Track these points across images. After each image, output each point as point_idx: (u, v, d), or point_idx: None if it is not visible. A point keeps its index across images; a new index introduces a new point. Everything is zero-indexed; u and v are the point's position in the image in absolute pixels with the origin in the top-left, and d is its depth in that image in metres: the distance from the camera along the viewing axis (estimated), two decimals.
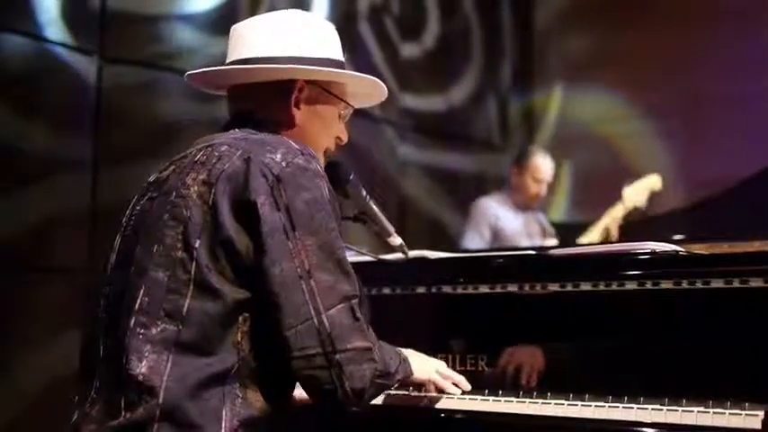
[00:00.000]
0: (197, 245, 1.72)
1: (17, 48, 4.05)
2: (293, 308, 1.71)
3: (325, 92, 2.00)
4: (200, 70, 2.02)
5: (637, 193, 4.71)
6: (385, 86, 2.13)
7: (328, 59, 2.00)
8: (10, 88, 3.99)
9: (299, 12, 2.06)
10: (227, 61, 2.02)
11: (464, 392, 2.10)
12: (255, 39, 1.98)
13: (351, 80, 2.06)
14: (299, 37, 1.99)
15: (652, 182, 4.77)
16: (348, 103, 2.06)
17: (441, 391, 2.09)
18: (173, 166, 1.88)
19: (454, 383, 2.10)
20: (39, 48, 4.11)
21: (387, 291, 2.36)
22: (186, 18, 4.70)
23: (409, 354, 1.98)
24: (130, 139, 4.34)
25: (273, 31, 1.99)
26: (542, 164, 5.15)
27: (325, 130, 2.03)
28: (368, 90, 2.13)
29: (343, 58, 2.05)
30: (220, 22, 4.80)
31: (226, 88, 2.04)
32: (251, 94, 1.98)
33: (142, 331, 1.71)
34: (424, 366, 2.04)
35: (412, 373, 1.96)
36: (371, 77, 2.09)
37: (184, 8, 4.73)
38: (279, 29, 1.99)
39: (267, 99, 1.97)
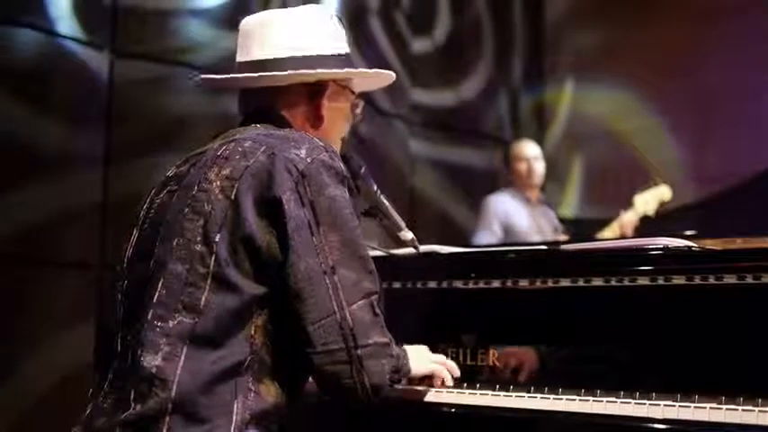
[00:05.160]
0: (217, 239, 1.72)
1: (29, 42, 4.06)
2: (317, 303, 1.72)
3: (341, 88, 2.03)
4: (229, 76, 2.00)
5: (647, 202, 4.81)
6: (394, 75, 2.15)
7: (344, 55, 2.03)
8: (22, 83, 4.00)
9: (310, 7, 2.06)
10: (242, 59, 2.00)
11: (475, 387, 2.10)
12: (275, 37, 1.98)
13: (372, 76, 2.11)
14: (317, 35, 2.00)
15: (662, 192, 4.86)
16: (359, 96, 2.10)
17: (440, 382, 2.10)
18: (193, 160, 1.88)
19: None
20: (50, 43, 4.12)
21: (398, 285, 2.36)
22: (197, 13, 4.71)
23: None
24: (142, 134, 4.35)
25: (293, 30, 1.99)
26: (516, 146, 5.43)
27: (343, 125, 2.07)
28: (376, 80, 2.16)
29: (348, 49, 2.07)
30: (232, 17, 4.79)
31: (240, 87, 2.04)
32: (274, 93, 1.97)
33: (159, 324, 1.71)
34: (421, 360, 2.06)
35: (410, 370, 1.97)
36: (391, 73, 2.13)
37: (196, 3, 4.74)
38: (297, 26, 1.99)
39: (294, 99, 1.97)
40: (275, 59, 1.95)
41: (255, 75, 1.94)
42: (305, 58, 1.96)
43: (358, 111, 2.12)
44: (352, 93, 2.08)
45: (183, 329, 1.70)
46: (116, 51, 4.31)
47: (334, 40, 2.03)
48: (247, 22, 2.04)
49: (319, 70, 1.96)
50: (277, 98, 1.97)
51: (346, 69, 2.02)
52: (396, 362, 1.81)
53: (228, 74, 2.02)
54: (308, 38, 1.98)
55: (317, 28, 2.01)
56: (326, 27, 2.03)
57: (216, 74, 2.07)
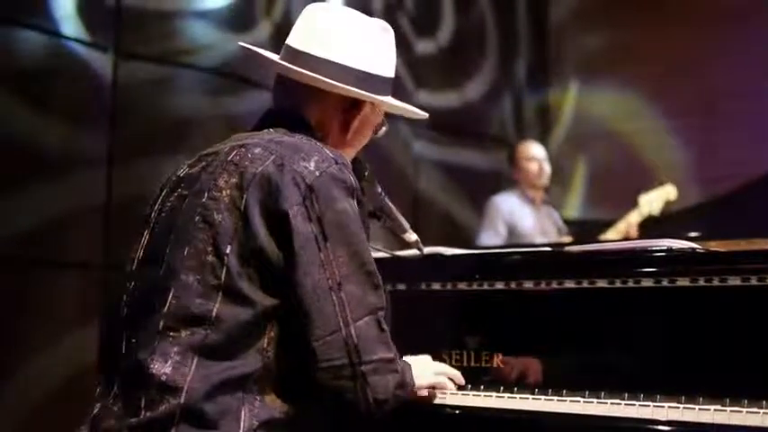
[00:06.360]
0: (228, 251, 1.72)
1: (33, 44, 4.06)
2: (322, 319, 1.71)
3: (375, 110, 2.03)
4: (291, 66, 1.95)
5: (652, 202, 4.79)
6: (426, 115, 2.16)
7: (390, 79, 2.03)
8: (26, 84, 4.00)
9: (375, 21, 2.04)
10: (298, 47, 1.96)
11: (479, 389, 2.10)
12: (334, 38, 1.96)
13: (410, 114, 2.13)
14: (375, 52, 2.00)
15: (667, 191, 4.84)
16: (385, 121, 2.10)
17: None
18: (203, 162, 1.87)
19: (450, 379, 2.11)
20: (54, 44, 4.12)
21: (402, 287, 2.36)
22: (201, 14, 4.71)
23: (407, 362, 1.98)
24: (145, 135, 4.35)
25: (356, 39, 1.97)
26: (525, 146, 5.45)
27: (366, 138, 2.07)
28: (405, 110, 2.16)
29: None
30: (235, 19, 4.81)
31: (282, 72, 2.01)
32: (307, 95, 1.96)
33: (171, 334, 1.71)
34: (424, 372, 2.04)
35: (414, 383, 1.95)
36: (425, 114, 2.15)
37: (199, 4, 4.74)
38: (361, 37, 1.98)
39: (324, 106, 1.96)
40: (331, 62, 1.94)
41: (309, 73, 1.92)
42: (359, 72, 1.96)
43: (382, 131, 2.11)
44: (385, 121, 2.09)
45: (195, 341, 1.70)
46: (120, 52, 4.31)
47: (388, 62, 2.03)
48: (315, 12, 2.00)
49: (370, 94, 1.96)
50: (314, 97, 1.95)
51: (395, 103, 2.03)
52: (400, 377, 1.81)
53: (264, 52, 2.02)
54: (367, 53, 1.98)
55: (378, 45, 2.01)
56: (385, 47, 2.03)
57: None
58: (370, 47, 1.99)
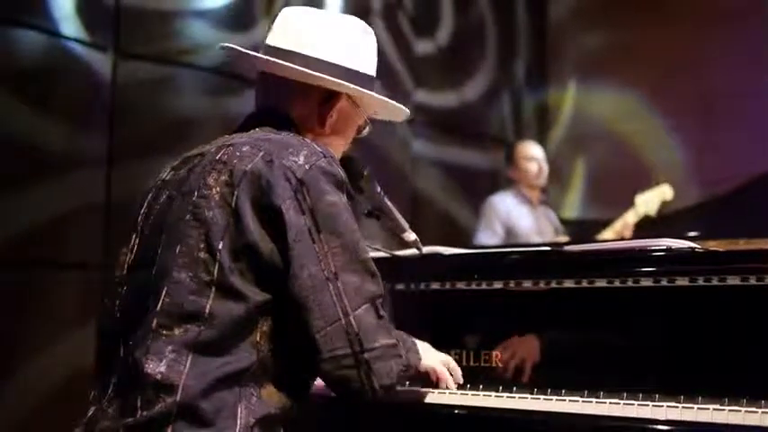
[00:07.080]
0: (220, 247, 1.72)
1: (32, 43, 4.06)
2: (322, 310, 1.72)
3: (356, 105, 2.03)
4: (261, 56, 1.98)
5: (648, 202, 4.79)
6: (408, 112, 2.17)
7: (370, 76, 2.04)
8: (25, 84, 4.00)
9: (353, 18, 2.06)
10: (274, 44, 1.98)
11: (478, 389, 2.10)
12: (312, 35, 1.97)
13: (386, 105, 2.11)
14: (353, 46, 2.01)
15: (664, 191, 4.85)
16: (368, 120, 2.11)
17: (438, 382, 2.10)
18: (189, 164, 1.88)
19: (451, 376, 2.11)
20: (53, 43, 4.12)
21: (401, 287, 2.36)
22: (201, 14, 4.71)
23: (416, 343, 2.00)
24: (145, 135, 4.35)
25: (333, 35, 1.99)
26: (525, 146, 5.43)
27: (345, 140, 2.07)
28: (386, 112, 2.16)
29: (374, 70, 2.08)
30: (235, 18, 4.81)
31: (260, 71, 2.03)
32: (288, 91, 1.97)
33: (165, 332, 1.71)
34: (430, 355, 2.07)
35: (419, 362, 1.98)
36: (405, 109, 2.15)
37: (199, 4, 4.74)
38: (336, 32, 2.00)
39: (304, 101, 1.97)
40: (309, 57, 1.95)
41: (288, 64, 1.93)
42: (337, 66, 1.96)
43: (365, 131, 2.12)
44: (368, 119, 2.10)
45: (189, 338, 1.70)
46: (119, 52, 4.31)
47: (368, 59, 2.04)
48: (292, 13, 2.02)
49: (344, 83, 1.96)
50: (296, 93, 1.96)
51: (374, 95, 2.03)
52: (404, 361, 1.83)
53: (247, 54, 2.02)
54: (344, 47, 1.99)
55: (357, 44, 2.02)
56: (364, 46, 2.04)
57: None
58: (349, 45, 2.00)
